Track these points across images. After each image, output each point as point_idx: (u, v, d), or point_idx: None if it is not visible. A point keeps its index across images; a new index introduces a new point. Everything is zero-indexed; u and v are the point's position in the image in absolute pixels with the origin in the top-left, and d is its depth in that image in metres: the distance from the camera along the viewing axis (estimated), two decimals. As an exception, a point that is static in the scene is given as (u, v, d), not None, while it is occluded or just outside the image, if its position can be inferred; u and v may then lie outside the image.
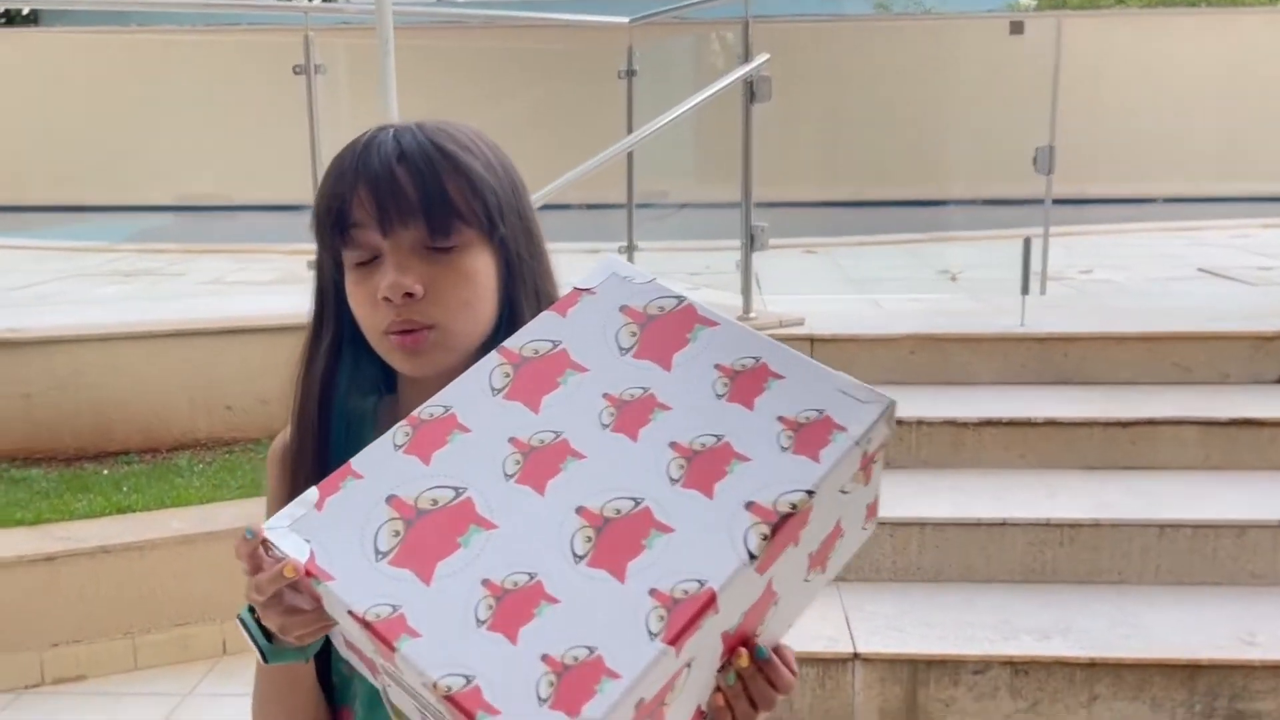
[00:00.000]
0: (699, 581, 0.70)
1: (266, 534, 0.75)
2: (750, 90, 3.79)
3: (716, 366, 0.81)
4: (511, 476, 0.75)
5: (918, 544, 2.97)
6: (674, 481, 0.74)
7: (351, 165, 0.87)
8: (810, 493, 0.74)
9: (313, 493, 0.76)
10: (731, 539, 0.72)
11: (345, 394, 0.95)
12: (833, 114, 10.14)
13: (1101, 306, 4.42)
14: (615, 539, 0.71)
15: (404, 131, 0.88)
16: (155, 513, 3.20)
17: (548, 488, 0.75)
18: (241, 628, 0.82)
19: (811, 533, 0.78)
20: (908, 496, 3.09)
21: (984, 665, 2.60)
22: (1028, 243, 3.87)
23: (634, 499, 0.73)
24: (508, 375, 0.81)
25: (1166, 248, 6.53)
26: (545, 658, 0.67)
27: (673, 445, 0.76)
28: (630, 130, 4.65)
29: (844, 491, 0.80)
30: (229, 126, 9.96)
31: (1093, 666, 2.57)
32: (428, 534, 0.73)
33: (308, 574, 0.72)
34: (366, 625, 0.70)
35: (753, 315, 3.89)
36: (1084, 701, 2.58)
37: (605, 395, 0.79)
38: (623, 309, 0.85)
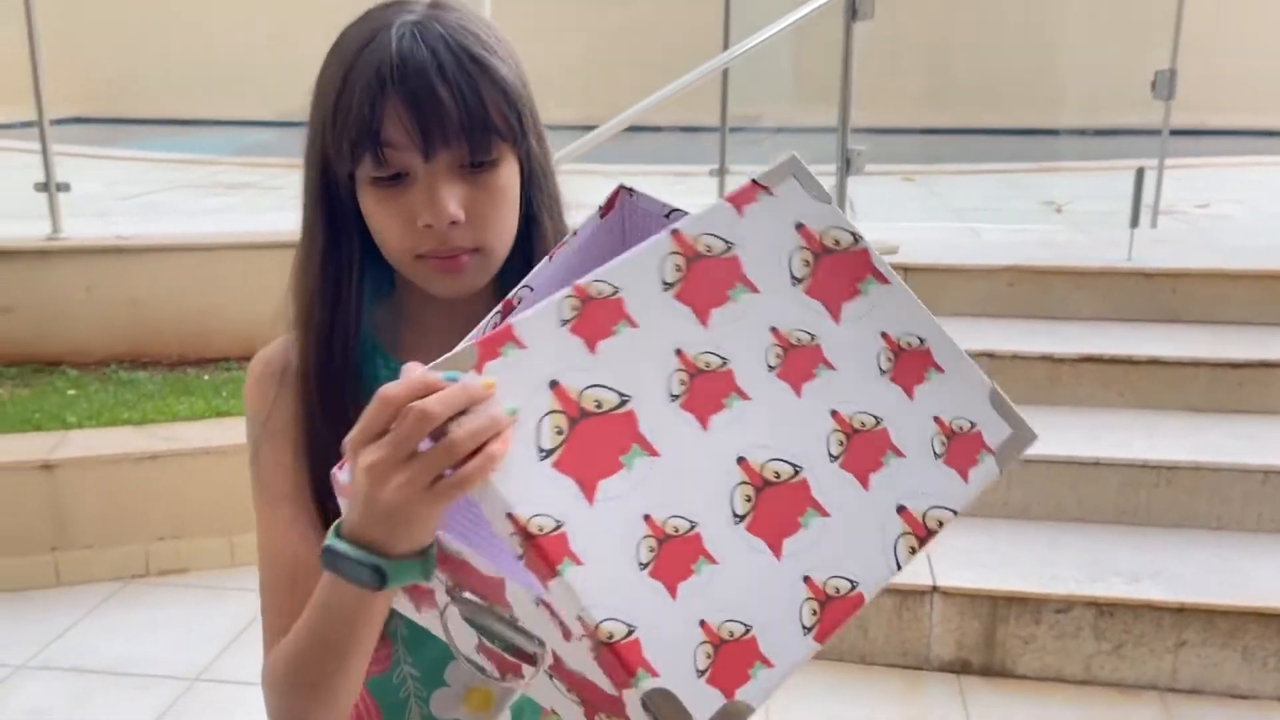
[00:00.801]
0: (851, 582, 0.66)
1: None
2: (852, 6, 3.65)
3: (883, 335, 0.74)
4: (676, 399, 0.67)
5: (1005, 480, 2.90)
6: (833, 458, 0.69)
7: (380, 75, 0.78)
8: (956, 512, 0.70)
9: (470, 351, 0.64)
10: (883, 545, 0.68)
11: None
12: (939, 35, 9.74)
13: (1216, 242, 4.19)
14: (773, 506, 0.66)
15: (426, 29, 0.80)
16: (252, 418, 3.31)
17: (711, 423, 0.67)
18: (330, 560, 0.66)
19: None
20: (997, 431, 3.02)
21: (1067, 605, 2.55)
22: (1140, 173, 3.68)
23: (794, 466, 0.68)
24: (679, 270, 0.71)
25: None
26: (703, 624, 0.62)
27: (834, 414, 0.71)
28: (726, 48, 4.53)
29: None
30: (330, 42, 10.03)
31: (1182, 611, 2.50)
32: (591, 441, 0.64)
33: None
34: (528, 537, 0.61)
35: (845, 242, 3.81)
36: (1170, 647, 2.52)
37: (773, 330, 0.72)
38: (799, 228, 0.75)
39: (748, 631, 0.62)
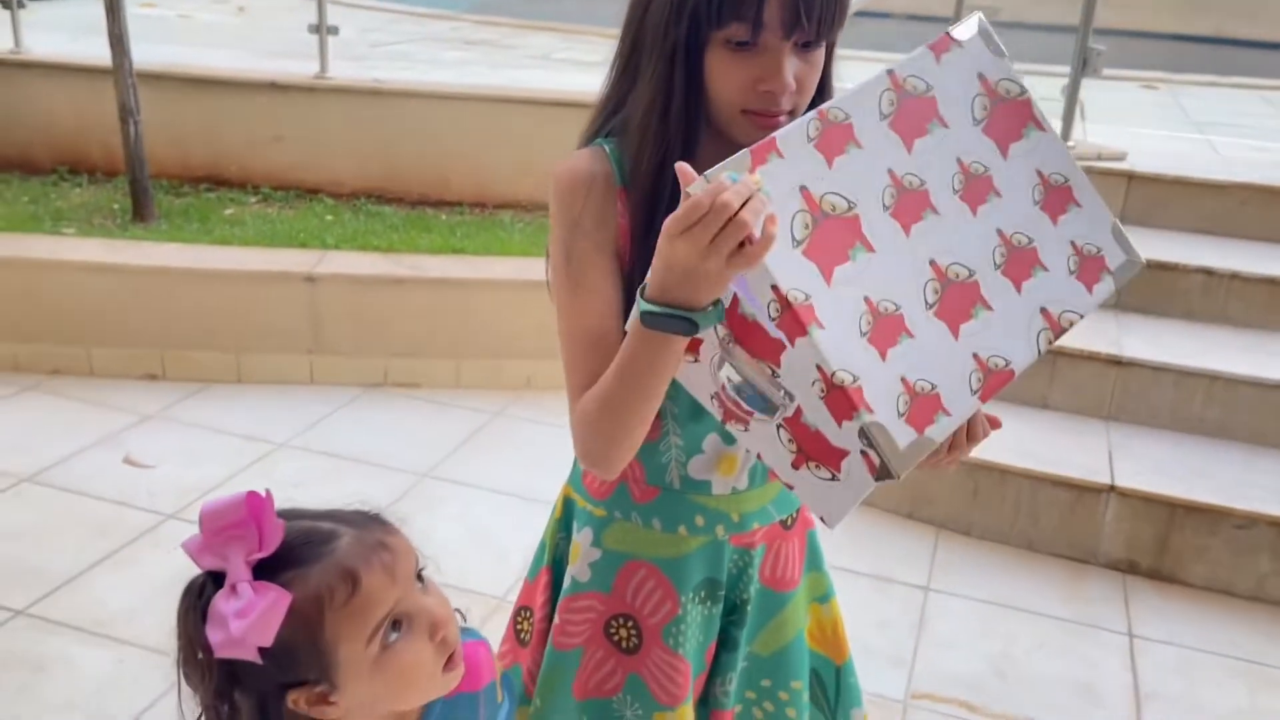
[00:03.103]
0: (1005, 360, 0.86)
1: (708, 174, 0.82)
2: (1115, -103, 3.49)
3: (1037, 172, 0.92)
4: (888, 209, 0.86)
5: (1203, 397, 2.90)
6: (996, 267, 0.88)
7: None
8: (1082, 316, 0.90)
9: (744, 156, 0.84)
10: (1029, 336, 0.88)
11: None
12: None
13: None
14: (953, 299, 0.86)
15: None
16: (483, 258, 3.64)
17: (912, 231, 0.86)
18: (650, 319, 0.86)
19: None
20: (1203, 349, 3.00)
21: (1249, 521, 2.58)
22: None
23: (969, 269, 0.87)
24: (893, 103, 0.90)
25: None
26: (903, 380, 0.82)
27: (999, 232, 0.90)
28: (972, -66, 4.40)
29: None
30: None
31: (1370, 544, 2.49)
32: (828, 237, 0.83)
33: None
34: (786, 305, 0.80)
35: (1071, 144, 3.73)
36: (1351, 577, 2.52)
37: (959, 160, 0.90)
38: (981, 78, 0.93)
39: (934, 388, 0.83)
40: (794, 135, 0.86)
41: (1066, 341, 2.98)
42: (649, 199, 1.04)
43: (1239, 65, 7.53)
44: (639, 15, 1.03)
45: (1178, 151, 4.00)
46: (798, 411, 0.85)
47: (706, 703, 1.23)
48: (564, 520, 1.25)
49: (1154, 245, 3.32)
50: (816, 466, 0.87)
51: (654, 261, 0.87)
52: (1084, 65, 3.70)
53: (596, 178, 1.06)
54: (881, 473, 0.82)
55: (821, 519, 0.91)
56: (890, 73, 0.91)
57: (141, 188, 3.79)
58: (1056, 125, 3.76)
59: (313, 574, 0.84)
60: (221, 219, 3.89)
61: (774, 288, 0.81)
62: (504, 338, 3.50)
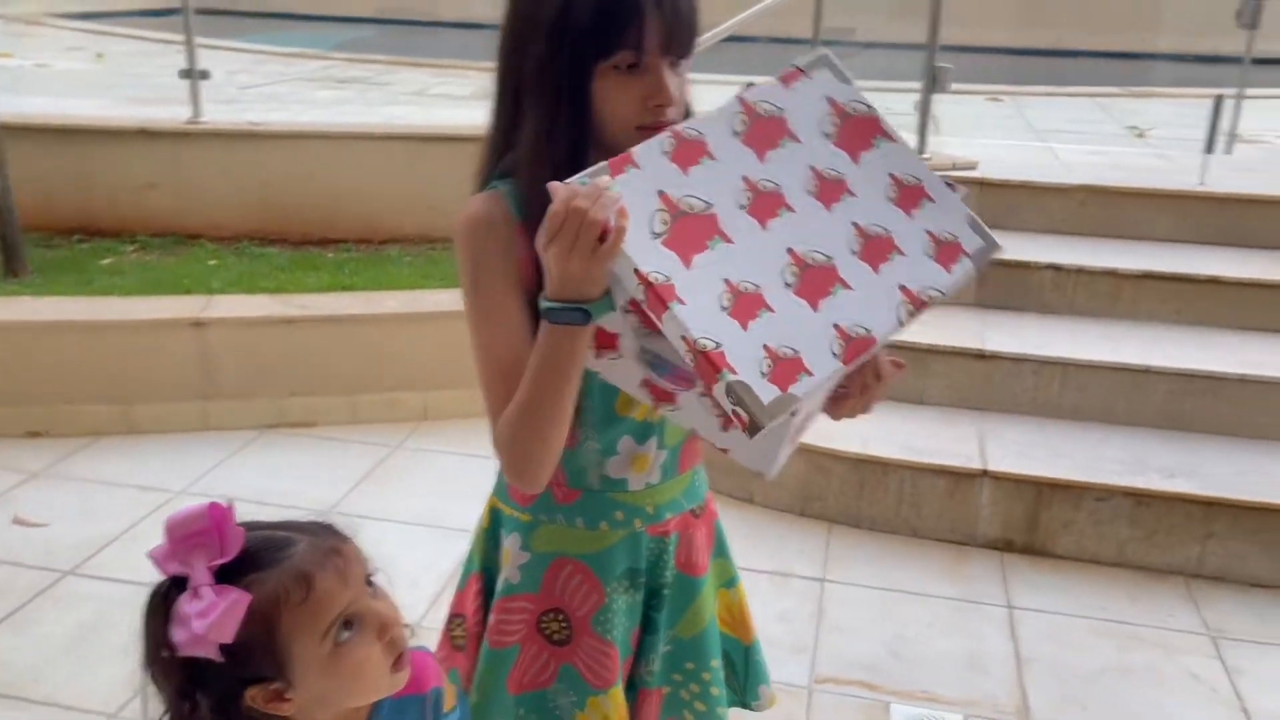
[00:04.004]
0: (866, 329, 0.97)
1: (577, 180, 0.92)
2: (948, -74, 3.77)
3: (890, 175, 1.05)
4: (744, 208, 0.98)
5: (1060, 383, 3.15)
6: (853, 253, 1.00)
7: None
8: (943, 292, 1.02)
9: (603, 166, 0.95)
10: (890, 307, 0.99)
11: None
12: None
13: (1293, 172, 4.28)
14: (812, 280, 0.97)
15: None
16: (373, 292, 3.67)
17: (769, 225, 0.98)
18: (551, 314, 0.98)
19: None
20: (1056, 339, 3.25)
21: (1107, 494, 2.81)
22: (1218, 101, 3.79)
23: (827, 255, 0.99)
24: (745, 123, 1.02)
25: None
26: (765, 347, 0.93)
27: (854, 225, 1.02)
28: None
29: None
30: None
31: (1211, 505, 2.74)
32: (687, 231, 0.94)
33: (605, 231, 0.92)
34: (649, 285, 0.91)
35: (927, 156, 3.99)
36: (1199, 537, 2.77)
37: (811, 167, 1.03)
38: (829, 100, 1.06)
39: (796, 353, 0.94)
40: (649, 149, 0.97)
41: (937, 340, 3.21)
42: None
43: (1076, 75, 8.07)
44: (516, 59, 1.12)
45: (1023, 159, 4.30)
46: None
47: (634, 684, 1.33)
48: (491, 529, 1.34)
49: (1007, 246, 3.51)
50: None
51: (544, 270, 0.99)
52: (933, 82, 3.96)
53: (495, 219, 1.13)
54: (752, 428, 0.91)
55: (759, 473, 1.03)
56: (742, 99, 1.03)
57: (12, 242, 3.70)
58: (911, 138, 4.02)
59: (270, 577, 0.91)
60: (100, 269, 3.83)
61: (636, 272, 0.92)
62: (399, 370, 3.54)
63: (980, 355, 3.18)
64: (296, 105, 5.30)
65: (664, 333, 0.94)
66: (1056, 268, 3.44)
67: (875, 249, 1.00)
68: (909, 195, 1.04)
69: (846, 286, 0.97)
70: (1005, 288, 3.47)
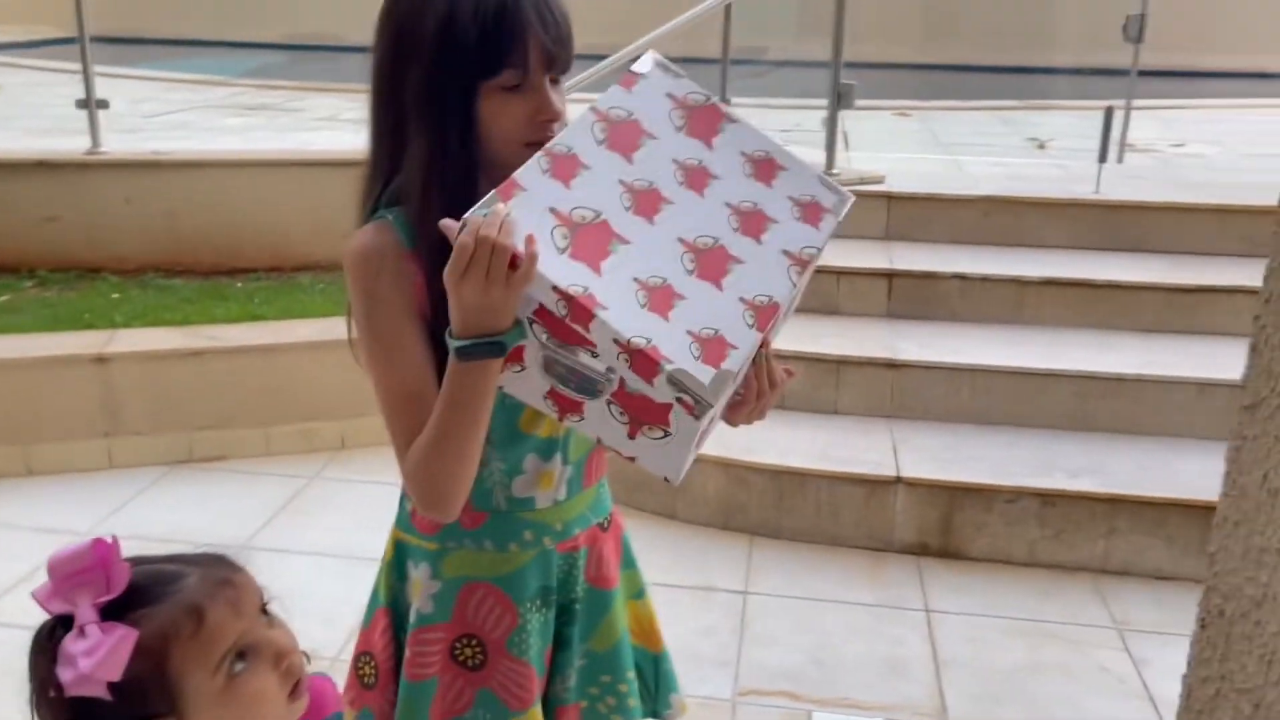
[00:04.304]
0: (768, 297, 1.04)
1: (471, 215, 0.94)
2: (847, -52, 3.86)
3: (742, 153, 1.13)
4: (629, 209, 1.03)
5: (969, 389, 3.22)
6: (735, 230, 1.06)
7: (522, 12, 1.07)
8: (819, 249, 1.09)
9: (493, 196, 0.97)
10: (782, 273, 1.06)
11: None
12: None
13: (1181, 179, 4.46)
14: (708, 263, 1.03)
15: None
16: (285, 322, 3.61)
17: (655, 220, 1.03)
18: (463, 353, 0.99)
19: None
20: (964, 346, 3.33)
21: (1016, 495, 2.88)
22: (1109, 112, 3.93)
23: (713, 238, 1.05)
24: (604, 130, 1.07)
25: (1277, 125, 6.40)
26: (689, 333, 0.97)
27: (727, 204, 1.08)
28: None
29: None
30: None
31: (1115, 502, 2.83)
32: (587, 240, 0.98)
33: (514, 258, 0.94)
34: (570, 299, 0.94)
35: (835, 171, 4.06)
36: (1103, 533, 2.85)
37: (674, 160, 1.08)
38: (670, 96, 1.12)
39: (717, 333, 0.99)
40: (530, 171, 1.01)
41: (849, 350, 3.27)
42: (440, 253, 1.08)
43: (981, 90, 8.31)
44: (395, 84, 1.12)
45: (929, 172, 4.41)
46: (621, 383, 0.99)
47: (550, 702, 1.32)
48: (396, 562, 1.31)
49: (915, 257, 3.66)
50: (650, 429, 1.01)
51: (450, 307, 0.99)
52: (839, 99, 4.04)
53: (385, 248, 1.12)
54: (699, 410, 0.96)
55: (666, 479, 1.05)
56: (594, 109, 1.08)
57: (-100, 280, 3.56)
58: (820, 154, 4.10)
59: (159, 611, 0.88)
60: (-5, 307, 3.70)
61: (554, 288, 0.95)
62: (314, 400, 3.48)
63: (891, 364, 3.24)
64: (204, 133, 5.21)
65: (594, 341, 0.97)
66: (963, 277, 3.53)
67: (751, 223, 1.07)
68: (764, 169, 1.12)
69: (739, 262, 1.04)
70: (914, 298, 3.55)
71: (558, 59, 1.11)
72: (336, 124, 5.74)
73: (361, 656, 1.35)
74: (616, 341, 0.95)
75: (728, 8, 4.43)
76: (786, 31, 7.34)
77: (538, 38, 1.08)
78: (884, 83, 7.79)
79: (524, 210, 0.97)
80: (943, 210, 3.89)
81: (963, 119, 6.86)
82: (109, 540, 0.88)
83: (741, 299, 1.01)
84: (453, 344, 1.00)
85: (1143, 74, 4.44)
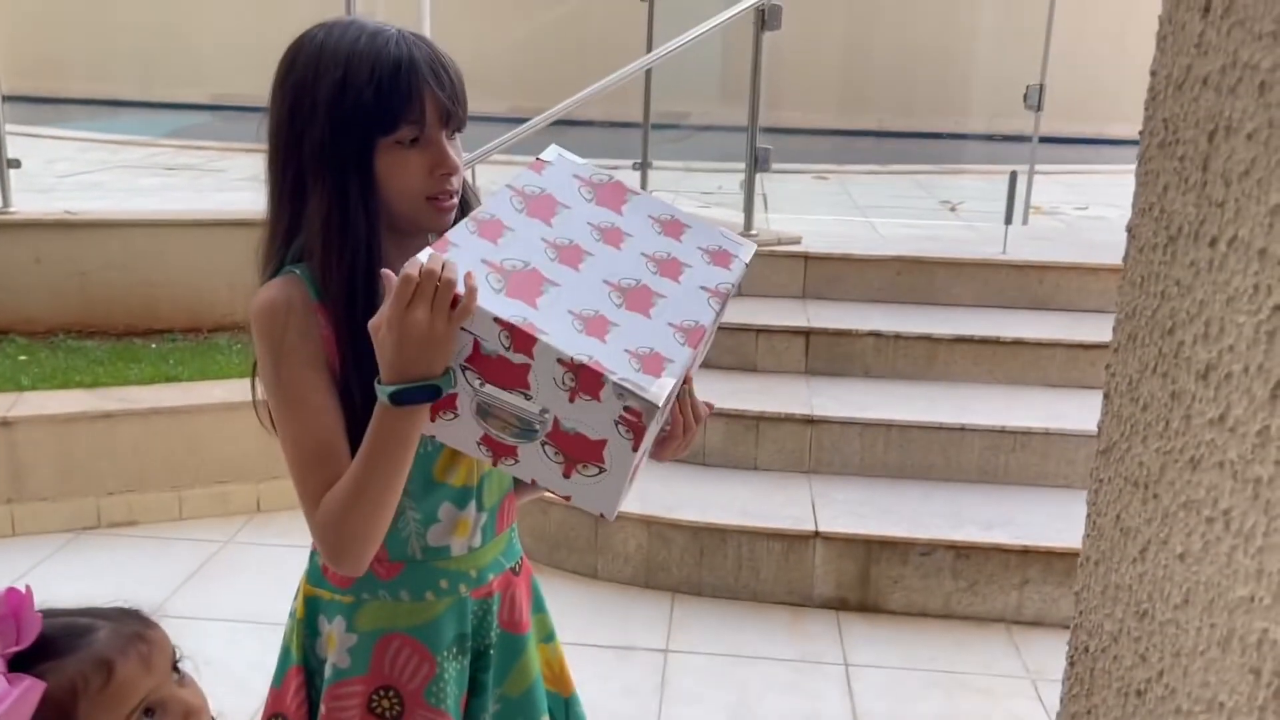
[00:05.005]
0: (695, 321, 1.10)
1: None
2: (761, 18, 4.00)
3: (649, 216, 1.21)
4: (555, 260, 1.09)
5: (884, 443, 3.29)
6: (654, 273, 1.14)
7: (414, 68, 1.11)
8: (733, 285, 1.17)
9: (428, 250, 1.02)
10: (702, 303, 1.13)
11: None
12: (853, 44, 10.21)
13: (1083, 240, 4.66)
14: (634, 299, 1.10)
15: (419, 42, 1.13)
16: (200, 383, 3.55)
17: (580, 268, 1.10)
18: (398, 398, 1.01)
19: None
20: (879, 402, 3.40)
21: (931, 548, 2.94)
22: (1013, 177, 4.10)
23: (635, 279, 1.12)
24: (523, 202, 1.14)
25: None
26: (627, 350, 1.03)
27: (644, 255, 1.16)
28: (650, 50, 4.85)
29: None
30: (265, 27, 10.11)
31: (1026, 553, 2.90)
32: (520, 284, 1.05)
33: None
34: (511, 328, 0.99)
35: (754, 232, 4.15)
36: (1016, 584, 2.92)
37: (589, 223, 1.16)
38: (575, 176, 1.21)
39: (652, 350, 1.05)
40: (460, 231, 1.07)
41: (768, 407, 3.33)
42: (348, 305, 1.13)
43: (897, 154, 8.59)
44: (293, 141, 1.14)
45: (845, 233, 4.53)
46: (555, 423, 1.03)
47: None
48: (308, 619, 1.30)
49: (831, 315, 3.75)
50: (584, 467, 1.04)
51: (380, 354, 1.00)
52: (756, 162, 4.15)
53: (293, 300, 1.14)
54: (646, 416, 1.00)
55: (601, 515, 1.08)
56: (509, 186, 1.15)
57: None
58: (739, 215, 4.20)
59: (69, 664, 0.88)
60: (-107, 369, 3.58)
61: (496, 320, 1.00)
62: (228, 462, 3.41)
63: (809, 420, 3.30)
64: (118, 193, 5.14)
65: (535, 368, 1.01)
66: (877, 334, 3.62)
67: (669, 268, 1.15)
68: (671, 228, 1.21)
69: (662, 296, 1.12)
70: (830, 355, 3.62)
71: (453, 115, 1.14)
72: (259, 184, 5.69)
73: (274, 718, 1.32)
74: (560, 361, 0.99)
75: (648, 73, 4.55)
76: (708, 96, 7.53)
77: (433, 93, 1.12)
78: (805, 147, 8.02)
79: (459, 260, 1.03)
80: (858, 270, 4.00)
81: (879, 182, 7.07)
82: (22, 590, 0.87)
83: (670, 324, 1.09)
84: (384, 390, 1.01)
85: (1048, 141, 4.64)
